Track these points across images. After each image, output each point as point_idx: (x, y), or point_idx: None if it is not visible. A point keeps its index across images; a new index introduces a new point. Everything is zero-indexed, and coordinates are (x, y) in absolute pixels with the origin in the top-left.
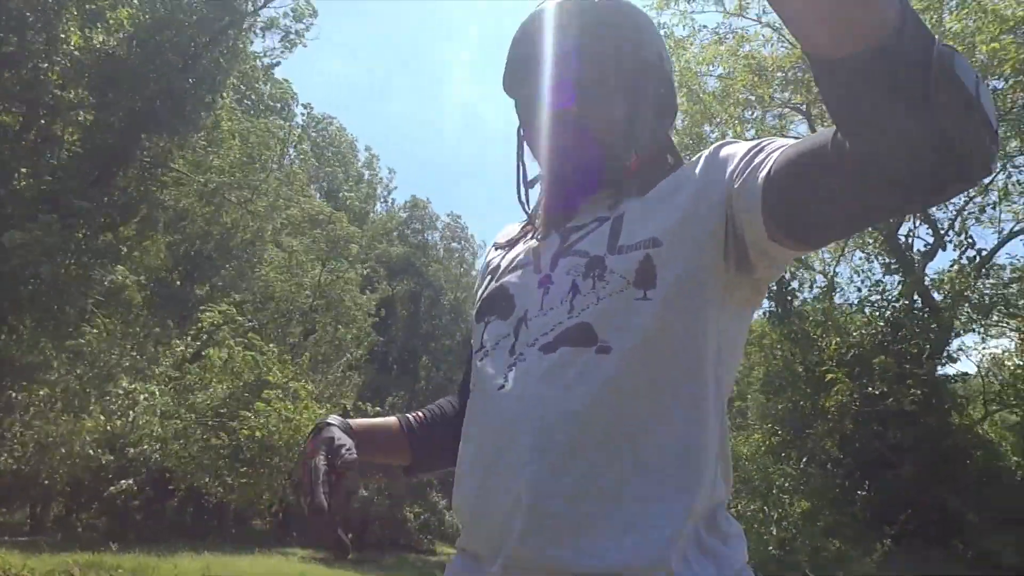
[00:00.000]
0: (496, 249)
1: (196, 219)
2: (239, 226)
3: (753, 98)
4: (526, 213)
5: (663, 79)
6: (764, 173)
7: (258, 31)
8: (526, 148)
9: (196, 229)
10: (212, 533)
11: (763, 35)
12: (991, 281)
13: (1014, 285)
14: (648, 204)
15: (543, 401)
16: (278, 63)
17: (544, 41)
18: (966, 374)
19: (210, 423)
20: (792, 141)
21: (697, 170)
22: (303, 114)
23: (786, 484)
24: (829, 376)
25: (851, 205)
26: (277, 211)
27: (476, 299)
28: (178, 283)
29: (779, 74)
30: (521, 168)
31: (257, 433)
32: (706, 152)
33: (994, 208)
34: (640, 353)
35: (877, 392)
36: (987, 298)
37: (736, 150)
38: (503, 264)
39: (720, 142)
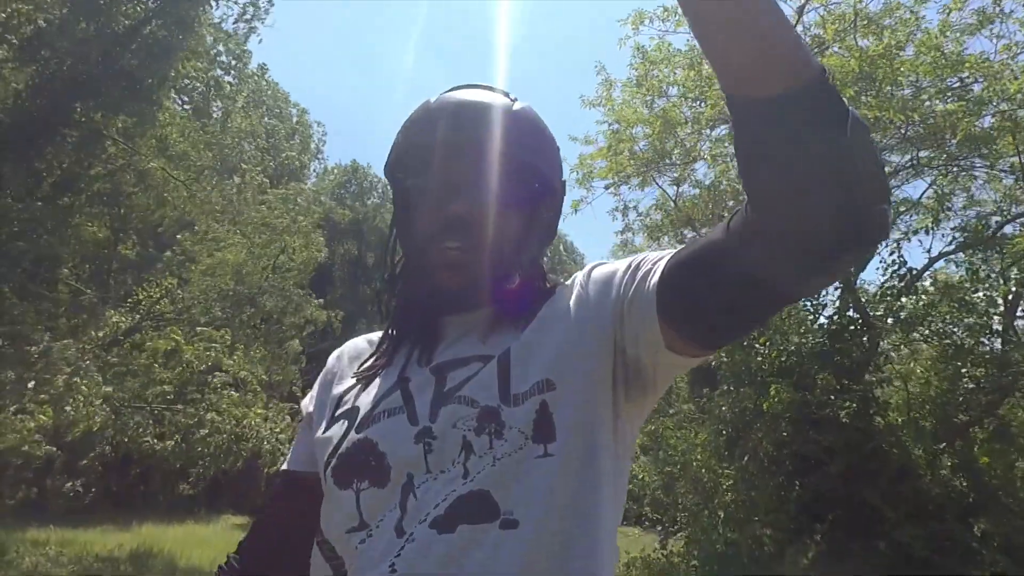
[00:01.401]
0: (349, 379)
1: (135, 197)
2: (184, 208)
3: (722, 118)
4: (384, 320)
5: (557, 204)
6: (656, 279)
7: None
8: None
9: (138, 205)
10: (139, 500)
11: None
12: (921, 300)
13: (940, 304)
14: (532, 339)
15: None
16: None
17: (454, 135)
18: (890, 380)
19: (155, 411)
20: (675, 249)
21: (575, 297)
22: (256, 75)
23: (729, 483)
24: (773, 388)
25: (753, 288)
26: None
27: (327, 447)
28: (109, 252)
29: None
30: (390, 266)
31: (209, 438)
32: (579, 277)
33: (926, 232)
34: (548, 520)
35: (815, 402)
36: (911, 314)
37: (615, 268)
38: (362, 405)
39: (591, 265)
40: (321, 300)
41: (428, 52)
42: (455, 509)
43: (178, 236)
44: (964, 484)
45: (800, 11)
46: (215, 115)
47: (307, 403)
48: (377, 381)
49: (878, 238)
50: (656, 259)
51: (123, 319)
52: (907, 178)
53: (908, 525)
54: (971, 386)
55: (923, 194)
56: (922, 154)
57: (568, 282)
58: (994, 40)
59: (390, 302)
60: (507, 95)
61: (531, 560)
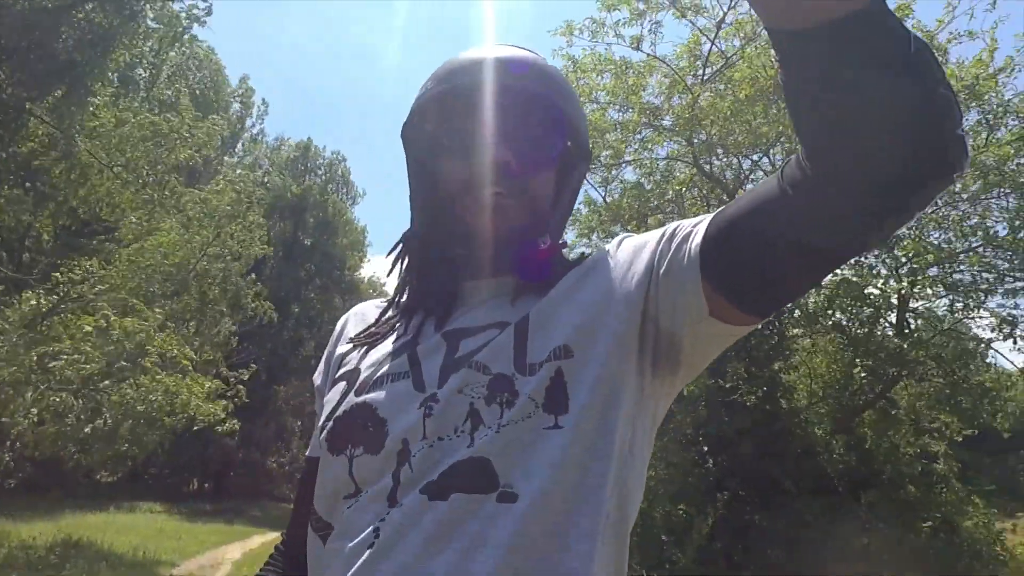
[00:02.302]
0: (350, 342)
1: (59, 179)
2: (114, 197)
3: (646, 123)
4: (402, 270)
5: (586, 169)
6: (699, 239)
7: None
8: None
9: (62, 187)
10: (55, 487)
11: (643, 64)
12: (823, 294)
13: (839, 298)
14: (552, 305)
15: (433, 574)
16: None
17: (502, 81)
18: (796, 368)
19: (80, 393)
20: (716, 212)
21: (602, 266)
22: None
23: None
24: None
25: (818, 238)
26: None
27: (325, 411)
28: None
29: (667, 119)
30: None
31: (139, 407)
32: (608, 247)
33: None
34: (550, 497)
35: (728, 386)
36: (814, 307)
37: (647, 238)
38: (363, 368)
39: (622, 236)
40: (253, 275)
41: (390, 45)
42: (449, 476)
43: (101, 214)
44: (855, 461)
45: (718, 25)
46: (140, 83)
47: (316, 377)
48: (383, 344)
49: (961, 164)
50: (696, 222)
51: (42, 301)
52: None
53: (808, 498)
54: (865, 375)
55: None
56: None
57: (595, 252)
58: None
59: (403, 263)
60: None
61: (526, 538)
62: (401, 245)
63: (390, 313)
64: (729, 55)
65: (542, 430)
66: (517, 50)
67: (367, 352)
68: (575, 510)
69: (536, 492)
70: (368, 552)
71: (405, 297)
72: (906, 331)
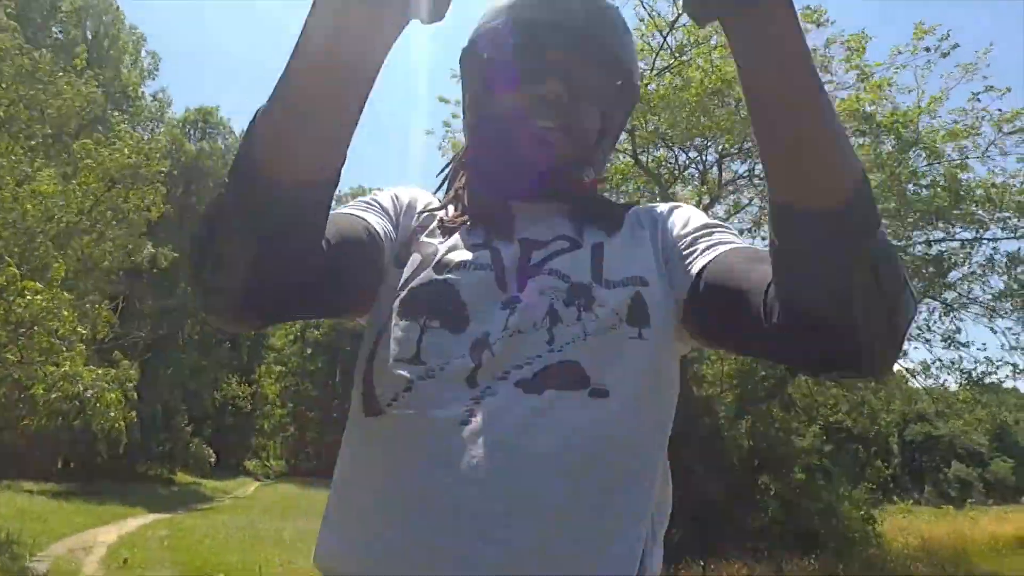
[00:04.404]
0: (432, 220)
1: None
2: None
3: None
4: (452, 189)
5: (632, 108)
6: (700, 265)
7: None
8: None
9: None
10: None
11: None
12: None
13: None
14: (623, 241)
15: (529, 454)
16: None
17: (559, 16)
18: (708, 358)
19: None
20: (738, 245)
21: (657, 222)
22: None
23: None
24: None
25: (775, 358)
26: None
27: (395, 281)
28: None
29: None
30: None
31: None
32: (664, 207)
33: (751, 236)
34: (640, 397)
35: None
36: None
37: (688, 217)
38: (441, 251)
39: (673, 204)
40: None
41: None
42: (542, 377)
43: None
44: (754, 445)
45: (672, 24)
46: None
47: (403, 194)
48: (458, 236)
49: (885, 369)
50: (718, 243)
51: None
52: (742, 186)
53: (712, 480)
54: (769, 366)
55: (751, 201)
56: (758, 168)
57: (650, 205)
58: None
59: (453, 181)
60: None
61: (618, 428)
62: (453, 166)
63: (453, 208)
64: (682, 52)
65: (627, 339)
66: None
67: (443, 235)
68: (661, 413)
69: (626, 392)
70: (462, 425)
71: (462, 208)
72: None
